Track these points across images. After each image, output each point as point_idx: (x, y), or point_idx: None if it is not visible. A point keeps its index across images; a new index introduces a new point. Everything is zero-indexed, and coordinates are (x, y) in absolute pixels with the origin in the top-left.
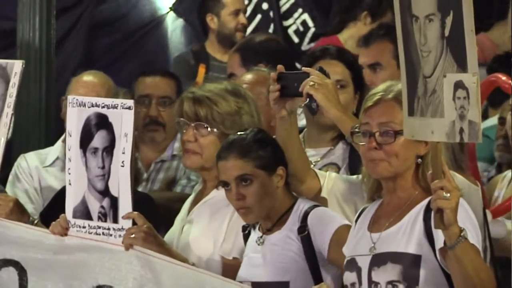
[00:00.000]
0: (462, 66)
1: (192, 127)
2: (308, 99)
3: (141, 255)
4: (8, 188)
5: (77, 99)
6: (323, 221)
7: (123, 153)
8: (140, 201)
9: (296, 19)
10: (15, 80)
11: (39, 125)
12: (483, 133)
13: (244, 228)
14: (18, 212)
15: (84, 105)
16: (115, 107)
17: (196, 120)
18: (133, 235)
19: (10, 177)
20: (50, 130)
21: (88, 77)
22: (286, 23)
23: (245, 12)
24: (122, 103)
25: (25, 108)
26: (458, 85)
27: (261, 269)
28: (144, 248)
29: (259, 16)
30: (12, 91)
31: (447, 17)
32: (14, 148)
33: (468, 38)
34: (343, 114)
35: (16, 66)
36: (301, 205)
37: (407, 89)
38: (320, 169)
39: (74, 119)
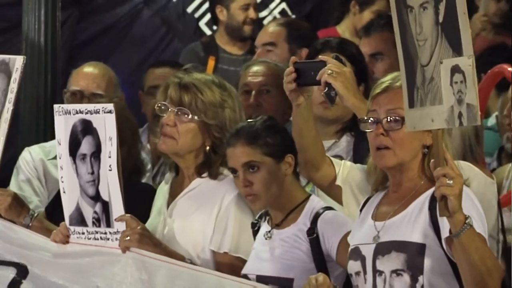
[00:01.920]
0: (457, 50)
1: (173, 111)
2: (326, 88)
3: (137, 257)
4: (12, 181)
5: (62, 108)
6: (333, 224)
7: (109, 157)
8: (142, 192)
9: (273, 9)
10: (16, 76)
11: (44, 118)
12: (493, 128)
13: (253, 225)
14: (17, 206)
15: (69, 113)
16: (97, 112)
17: (179, 105)
18: (128, 238)
19: (15, 170)
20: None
21: (88, 69)
22: (261, 14)
23: (255, 6)
24: (103, 107)
25: (30, 101)
26: (455, 69)
27: (267, 264)
28: (140, 249)
29: None
30: (13, 86)
31: (440, 2)
32: (19, 142)
33: (462, 21)
34: (361, 103)
35: (17, 62)
36: (313, 205)
37: (406, 82)
38: None
39: (62, 128)
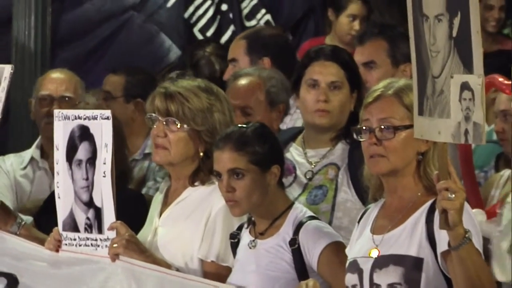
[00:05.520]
0: (468, 67)
1: (162, 122)
2: None
3: (127, 266)
4: None
5: (62, 113)
6: (315, 236)
7: (104, 163)
8: (131, 199)
9: (259, 20)
10: (4, 85)
11: (33, 125)
12: (492, 139)
13: (233, 236)
14: (4, 214)
15: (68, 118)
16: (94, 118)
17: (167, 115)
18: (115, 245)
19: None
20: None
21: (55, 74)
22: (249, 23)
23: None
24: (100, 113)
25: (19, 107)
26: (464, 86)
27: (252, 276)
28: (126, 255)
29: (218, 17)
30: (1, 95)
31: (455, 17)
32: (8, 148)
33: (474, 40)
34: None
35: (6, 71)
36: (296, 213)
37: (418, 89)
38: (320, 169)
39: (60, 133)
